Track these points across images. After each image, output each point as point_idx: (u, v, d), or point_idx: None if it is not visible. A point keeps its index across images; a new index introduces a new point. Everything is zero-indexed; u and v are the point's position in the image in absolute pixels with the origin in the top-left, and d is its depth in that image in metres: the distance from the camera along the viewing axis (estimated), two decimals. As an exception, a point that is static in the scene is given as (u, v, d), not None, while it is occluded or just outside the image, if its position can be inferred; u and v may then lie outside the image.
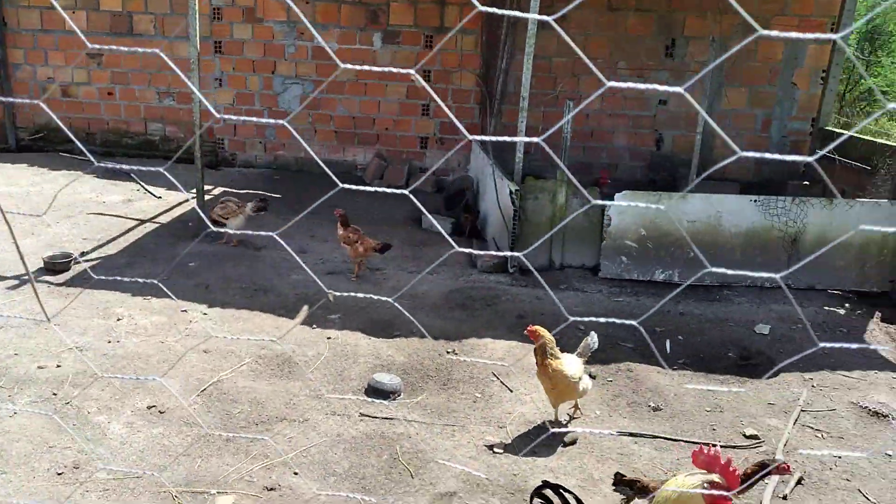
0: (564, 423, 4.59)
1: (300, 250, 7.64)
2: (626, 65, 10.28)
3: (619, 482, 3.38)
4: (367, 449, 4.14)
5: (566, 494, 2.79)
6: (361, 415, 4.50)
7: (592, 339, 4.67)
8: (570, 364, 4.36)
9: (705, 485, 2.36)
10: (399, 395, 4.78)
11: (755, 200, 6.96)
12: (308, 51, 10.92)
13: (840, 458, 4.33)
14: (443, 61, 10.70)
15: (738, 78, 10.06)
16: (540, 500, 2.78)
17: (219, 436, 4.13)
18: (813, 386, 5.27)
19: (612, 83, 1.87)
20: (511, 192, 7.15)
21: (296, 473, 3.85)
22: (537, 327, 4.43)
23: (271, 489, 3.70)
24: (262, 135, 11.42)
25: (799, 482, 4.07)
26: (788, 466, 3.15)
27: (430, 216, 6.96)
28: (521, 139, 2.16)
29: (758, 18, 9.88)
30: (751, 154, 1.82)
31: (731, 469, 2.34)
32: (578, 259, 7.47)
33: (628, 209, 7.09)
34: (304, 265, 3.14)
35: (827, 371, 5.49)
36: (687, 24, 10.08)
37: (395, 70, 1.92)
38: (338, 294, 2.68)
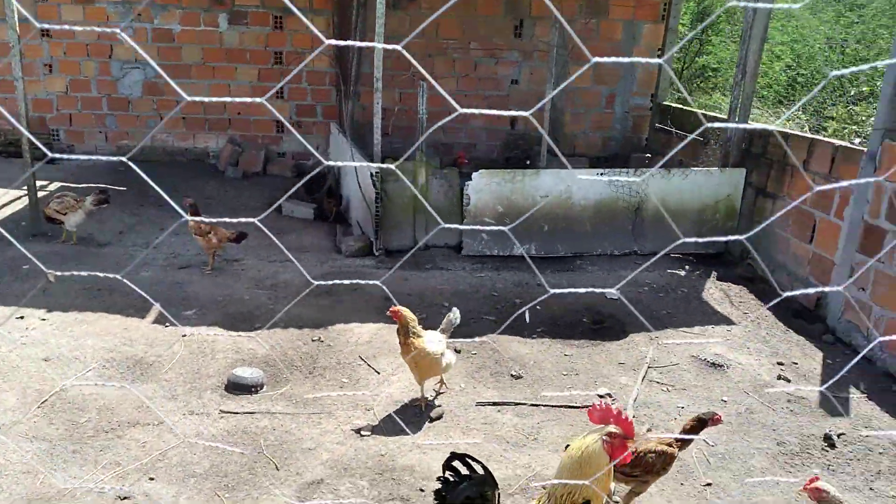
0: (431, 399, 4.66)
1: (149, 245, 7.22)
2: (478, 45, 10.47)
3: None
4: (228, 446, 4.00)
5: (473, 464, 2.84)
6: (222, 412, 4.34)
7: (454, 315, 4.74)
8: (433, 341, 4.41)
9: (604, 437, 2.49)
10: (262, 388, 4.65)
11: (601, 174, 7.35)
12: (148, 33, 10.25)
13: (683, 407, 4.70)
14: (294, 42, 10.41)
15: (583, 56, 10.52)
16: (450, 472, 2.81)
17: (64, 448, 3.84)
18: (659, 344, 5.66)
19: (330, 41, 1.88)
20: (372, 175, 7.11)
21: (151, 479, 3.66)
22: (399, 308, 4.42)
23: (125, 498, 3.49)
24: (103, 123, 10.62)
25: (648, 432, 4.37)
26: (720, 417, 3.46)
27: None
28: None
29: (598, 0, 10.38)
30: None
31: (623, 417, 2.48)
32: (442, 239, 7.58)
33: (486, 187, 7.27)
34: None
35: (671, 329, 5.92)
36: (533, 5, 10.40)
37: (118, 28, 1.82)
38: (59, 274, 2.54)
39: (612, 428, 2.48)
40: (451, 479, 2.80)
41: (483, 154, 10.89)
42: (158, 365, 4.84)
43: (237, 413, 4.34)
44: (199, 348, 5.11)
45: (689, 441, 3.43)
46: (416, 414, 4.48)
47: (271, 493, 3.61)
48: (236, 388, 4.58)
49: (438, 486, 2.81)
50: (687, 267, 7.28)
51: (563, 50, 10.05)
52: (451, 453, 2.86)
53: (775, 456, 4.21)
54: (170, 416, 4.24)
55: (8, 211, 8.04)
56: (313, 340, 5.42)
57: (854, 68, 7.98)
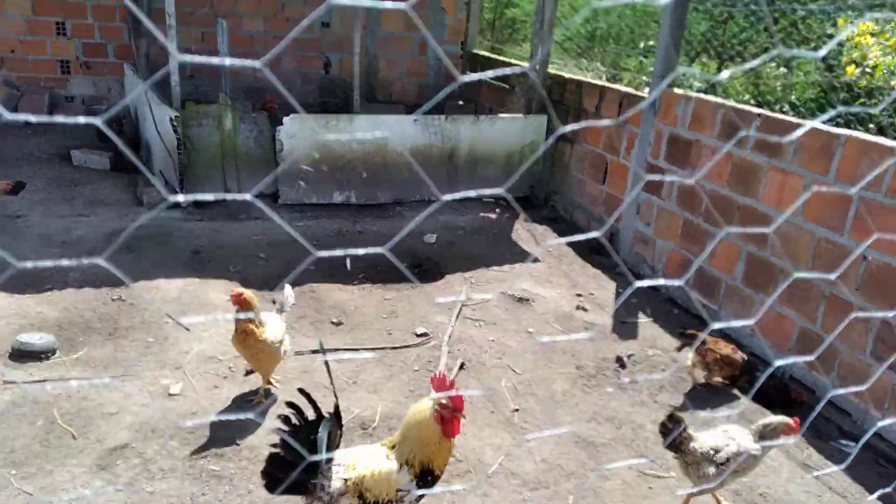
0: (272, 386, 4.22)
1: None
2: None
3: (682, 335, 4.66)
4: (15, 419, 3.63)
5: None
6: (5, 382, 3.92)
7: (289, 293, 4.23)
8: (273, 328, 3.88)
9: (436, 407, 2.57)
10: (53, 354, 4.25)
11: (415, 120, 7.41)
12: None
13: (493, 340, 4.97)
14: (76, -28, 9.31)
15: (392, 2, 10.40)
16: (292, 410, 2.69)
17: None
18: (472, 283, 5.91)
19: None
20: (171, 119, 6.62)
21: (-81, 464, 3.24)
22: (244, 291, 3.81)
23: None
24: None
25: (461, 367, 4.58)
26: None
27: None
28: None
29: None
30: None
31: (458, 394, 2.56)
32: (256, 187, 7.29)
33: (300, 133, 7.06)
34: None
35: (483, 268, 6.19)
36: (344, -55, 10.08)
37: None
38: None
39: (444, 400, 2.57)
40: (295, 420, 2.67)
41: (298, 99, 10.51)
42: (-78, 337, 4.25)
43: (24, 383, 3.94)
44: (-25, 316, 4.56)
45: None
46: (230, 369, 4.34)
47: (66, 464, 3.34)
48: (22, 355, 4.15)
49: (282, 426, 2.67)
50: (497, 210, 7.62)
51: (375, -7, 9.87)
52: (298, 389, 2.76)
53: (575, 379, 4.59)
54: (-60, 392, 3.76)
55: None
56: (113, 300, 5.03)
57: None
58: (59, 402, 3.81)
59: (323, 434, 2.62)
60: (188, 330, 4.74)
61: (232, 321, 3.87)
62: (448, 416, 2.57)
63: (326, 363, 2.68)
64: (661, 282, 4.55)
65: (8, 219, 6.13)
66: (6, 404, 3.73)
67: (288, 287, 4.27)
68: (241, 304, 3.73)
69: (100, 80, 9.85)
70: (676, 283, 2.65)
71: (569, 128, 7.43)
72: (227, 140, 7.02)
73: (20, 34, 9.31)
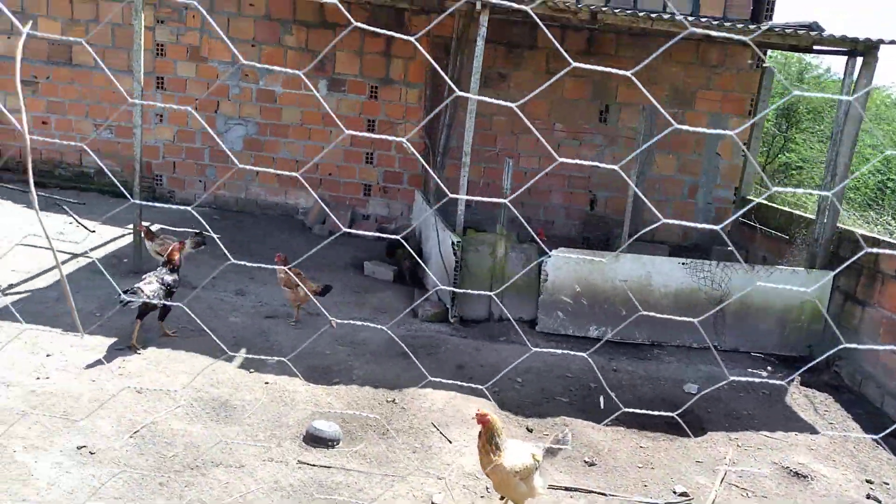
0: None
1: (238, 292, 7.52)
2: (563, 126, 10.73)
3: None
4: (304, 497, 4.07)
5: None
6: (299, 462, 4.42)
7: (565, 438, 4.13)
8: (516, 456, 3.81)
9: None
10: (338, 444, 4.72)
11: (683, 263, 7.31)
12: (252, 92, 10.95)
13: (763, 514, 4.52)
14: (387, 111, 10.91)
15: (668, 146, 10.64)
16: None
17: (152, 479, 3.98)
18: (738, 445, 5.49)
19: (563, 159, 2.00)
20: (453, 244, 7.29)
21: (232, 522, 3.75)
22: (485, 412, 3.86)
23: (206, 538, 3.58)
24: (203, 173, 11.27)
25: (726, 537, 4.22)
26: None
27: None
28: (459, 195, 2.27)
29: (685, 91, 10.54)
30: (673, 221, 1.98)
31: None
32: (517, 312, 7.62)
33: (564, 265, 7.33)
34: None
35: (751, 431, 5.73)
36: (619, 92, 10.65)
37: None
38: (338, 322, 2.68)
39: None
40: None
41: (561, 232, 10.99)
42: (242, 409, 4.99)
43: (314, 465, 4.41)
44: (280, 397, 5.26)
45: None
46: (487, 489, 4.45)
47: (345, 550, 3.63)
48: (314, 440, 4.67)
49: None
50: (769, 368, 7.08)
51: (648, 138, 10.18)
52: None
53: (863, 579, 3.98)
54: (251, 460, 4.35)
55: (112, 247, 8.55)
56: (388, 401, 5.49)
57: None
58: (340, 489, 4.19)
59: None
60: (450, 442, 4.99)
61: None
62: None
63: None
64: None
65: (310, 315, 7.08)
66: (299, 482, 4.20)
67: (568, 431, 4.25)
68: (484, 424, 3.79)
69: (392, 202, 11.24)
70: None
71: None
72: (498, 266, 7.50)
73: (338, 161, 11.06)
